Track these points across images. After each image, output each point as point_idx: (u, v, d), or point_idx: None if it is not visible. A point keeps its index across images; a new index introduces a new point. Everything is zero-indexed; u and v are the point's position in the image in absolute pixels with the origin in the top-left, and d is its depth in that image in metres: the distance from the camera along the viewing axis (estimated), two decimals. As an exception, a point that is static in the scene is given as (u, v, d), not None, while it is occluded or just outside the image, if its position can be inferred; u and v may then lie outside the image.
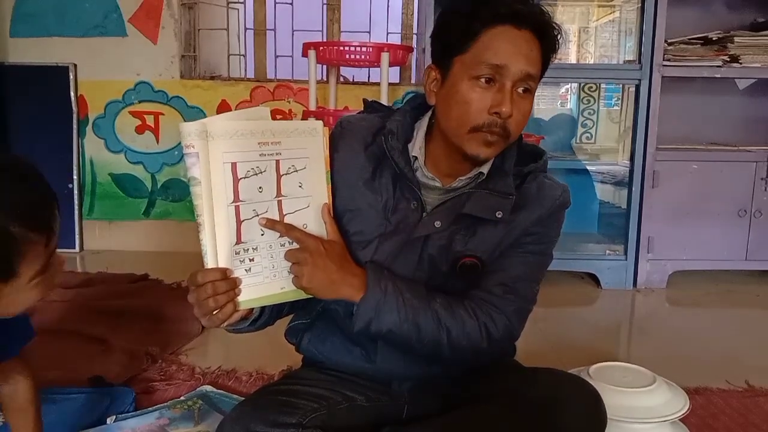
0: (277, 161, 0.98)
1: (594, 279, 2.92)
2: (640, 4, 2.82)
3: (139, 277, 2.75)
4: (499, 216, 1.09)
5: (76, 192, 3.35)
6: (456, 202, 1.11)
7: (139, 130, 3.38)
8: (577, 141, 3.42)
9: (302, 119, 2.96)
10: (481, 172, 1.12)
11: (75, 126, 3.33)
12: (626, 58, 3.16)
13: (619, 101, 3.37)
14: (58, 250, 0.97)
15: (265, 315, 1.06)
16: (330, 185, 1.06)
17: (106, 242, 3.42)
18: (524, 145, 1.18)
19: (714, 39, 2.85)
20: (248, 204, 0.96)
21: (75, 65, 3.31)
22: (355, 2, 3.67)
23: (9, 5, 3.27)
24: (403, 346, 1.08)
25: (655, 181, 2.82)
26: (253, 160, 0.95)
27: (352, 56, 2.73)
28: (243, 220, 0.96)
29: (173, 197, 3.42)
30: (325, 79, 3.17)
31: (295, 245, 1.01)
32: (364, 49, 2.72)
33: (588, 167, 3.24)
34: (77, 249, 3.37)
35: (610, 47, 3.32)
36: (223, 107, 3.35)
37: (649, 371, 1.42)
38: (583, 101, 3.40)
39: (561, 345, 2.18)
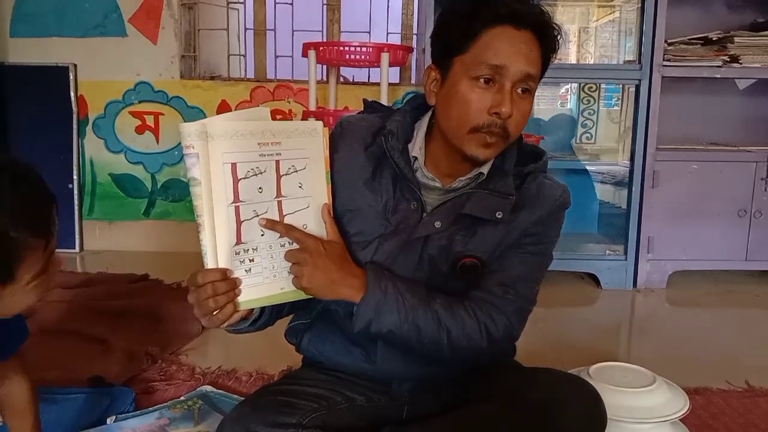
0: (277, 162, 0.98)
1: (594, 279, 2.92)
2: (640, 4, 2.82)
3: (139, 277, 2.75)
4: (499, 216, 1.09)
5: (76, 192, 3.36)
6: (456, 203, 1.11)
7: (139, 130, 3.38)
8: (577, 141, 3.42)
9: (302, 119, 2.96)
10: (481, 173, 1.12)
11: (75, 126, 3.33)
12: (626, 58, 3.16)
13: (619, 101, 3.37)
14: (59, 251, 0.97)
15: (265, 315, 1.06)
16: (330, 186, 1.06)
17: (106, 242, 3.43)
18: (524, 145, 1.18)
19: (714, 39, 2.85)
20: (248, 204, 0.96)
21: (75, 65, 3.31)
22: (355, 2, 3.67)
23: (9, 5, 3.27)
24: (403, 346, 1.08)
25: (655, 181, 2.82)
26: (253, 161, 0.95)
27: (352, 56, 2.73)
28: (243, 221, 0.96)
29: (173, 197, 3.42)
30: (325, 80, 3.17)
31: (295, 246, 1.01)
32: (364, 49, 2.72)
33: (588, 167, 3.24)
34: (77, 249, 3.37)
35: (610, 47, 3.32)
36: (223, 107, 3.35)
37: (649, 371, 1.42)
38: (583, 101, 3.40)
39: (561, 345, 2.18)
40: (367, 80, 3.58)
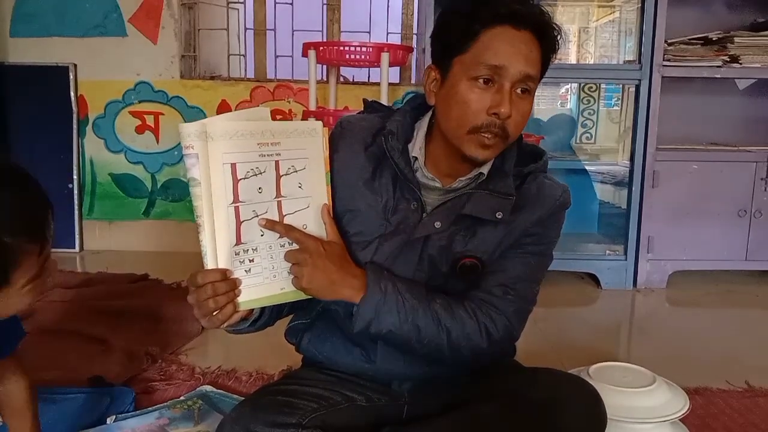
0: (277, 162, 0.98)
1: (594, 279, 2.92)
2: (640, 5, 2.82)
3: (139, 277, 2.75)
4: (499, 217, 1.09)
5: (76, 192, 3.36)
6: (456, 203, 1.11)
7: (139, 130, 3.38)
8: (577, 141, 3.42)
9: (302, 119, 2.96)
10: (481, 173, 1.12)
11: (75, 126, 3.33)
12: (626, 59, 3.16)
13: (619, 101, 3.37)
14: (59, 251, 0.98)
15: (265, 316, 1.06)
16: (330, 186, 1.06)
17: (106, 242, 3.43)
18: (524, 145, 1.18)
19: (714, 39, 2.85)
20: (248, 205, 0.96)
21: (75, 65, 3.31)
22: (355, 2, 3.67)
23: (9, 5, 3.27)
24: (403, 346, 1.08)
25: (655, 181, 2.82)
26: (253, 161, 0.95)
27: (352, 56, 2.73)
28: (243, 221, 0.96)
29: (173, 197, 3.42)
30: (325, 79, 3.17)
31: (295, 246, 1.01)
32: (364, 49, 2.72)
33: (588, 167, 3.24)
34: (77, 249, 3.37)
35: (610, 47, 3.32)
36: (223, 107, 3.35)
37: (649, 371, 1.42)
38: (583, 101, 3.40)
39: (561, 345, 2.18)
40: (367, 80, 3.59)
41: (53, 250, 0.98)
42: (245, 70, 3.84)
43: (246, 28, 3.79)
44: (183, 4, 3.36)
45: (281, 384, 1.18)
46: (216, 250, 0.94)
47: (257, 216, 0.97)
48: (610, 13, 3.29)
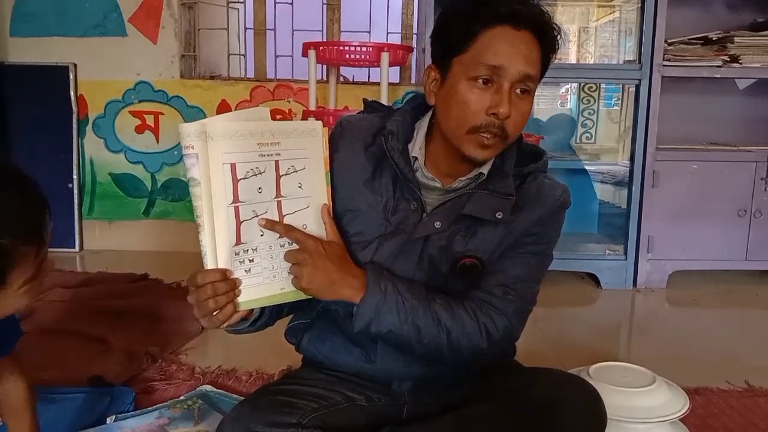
0: (277, 162, 0.98)
1: (594, 279, 2.92)
2: (640, 4, 2.82)
3: (139, 276, 2.75)
4: (500, 217, 1.09)
5: (76, 192, 3.35)
6: (456, 203, 1.11)
7: (139, 129, 3.38)
8: (577, 141, 3.42)
9: (302, 119, 2.96)
10: (481, 173, 1.12)
11: (75, 126, 3.33)
12: (626, 58, 3.16)
13: (619, 101, 3.37)
14: (59, 250, 0.98)
15: (265, 315, 1.06)
16: (329, 186, 1.06)
17: (106, 242, 3.43)
18: (524, 145, 1.18)
19: (714, 39, 2.85)
20: (248, 205, 0.96)
21: (75, 65, 3.31)
22: (355, 2, 3.67)
23: (9, 5, 3.27)
24: (403, 346, 1.08)
25: (655, 181, 2.82)
26: (253, 161, 0.95)
27: (352, 56, 2.73)
28: (242, 221, 0.96)
29: (173, 197, 3.42)
30: (325, 79, 3.17)
31: (295, 246, 1.01)
32: (364, 49, 2.72)
33: (588, 167, 3.24)
34: (77, 249, 3.37)
35: (610, 47, 3.32)
36: (223, 107, 3.35)
37: (649, 371, 1.42)
38: (583, 101, 3.40)
39: (561, 345, 2.17)
40: (367, 80, 3.59)
41: (53, 249, 0.98)
42: (245, 70, 3.84)
43: (246, 28, 3.79)
44: (183, 4, 3.36)
45: (281, 384, 1.18)
46: (216, 250, 0.94)
47: (257, 216, 0.97)
48: (610, 13, 3.29)
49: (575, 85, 3.38)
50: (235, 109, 3.25)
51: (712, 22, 2.99)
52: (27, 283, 0.93)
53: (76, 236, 3.36)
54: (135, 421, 1.51)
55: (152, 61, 3.33)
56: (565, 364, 1.77)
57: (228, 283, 0.94)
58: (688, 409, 1.33)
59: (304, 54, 2.81)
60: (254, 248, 0.97)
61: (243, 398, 1.27)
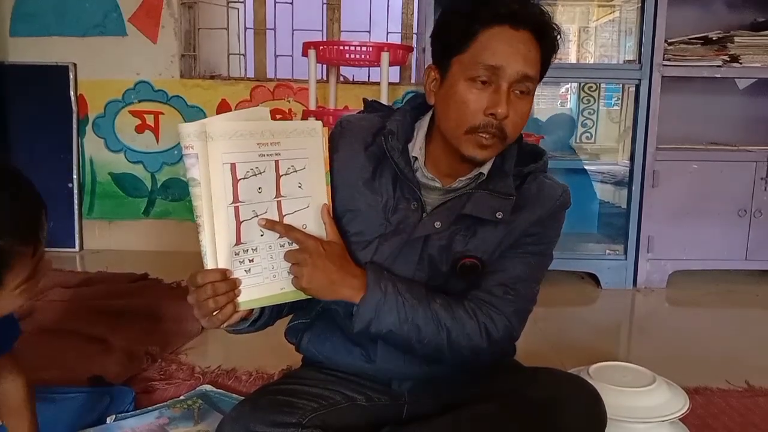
0: (277, 162, 0.98)
1: (594, 279, 2.92)
2: (640, 4, 2.82)
3: (139, 276, 2.75)
4: (500, 217, 1.09)
5: (75, 191, 3.35)
6: (456, 203, 1.11)
7: (139, 129, 3.38)
8: (577, 141, 3.42)
9: (302, 119, 2.96)
10: (481, 173, 1.12)
11: (75, 125, 3.33)
12: (626, 58, 3.16)
13: (619, 101, 3.37)
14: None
15: (265, 315, 1.06)
16: (329, 186, 1.06)
17: (106, 242, 3.43)
18: (524, 145, 1.18)
19: (714, 39, 2.85)
20: (248, 205, 0.96)
21: (75, 65, 3.31)
22: (355, 2, 3.67)
23: (9, 5, 3.27)
24: (403, 346, 1.08)
25: (655, 180, 2.82)
26: (253, 161, 0.95)
27: (352, 56, 2.73)
28: (242, 221, 0.96)
29: (173, 197, 3.42)
30: (325, 79, 3.17)
31: (295, 246, 1.01)
32: (364, 48, 2.72)
33: (588, 167, 3.24)
34: (77, 248, 3.36)
35: (610, 47, 3.32)
36: (223, 107, 3.35)
37: (649, 371, 1.42)
38: (583, 101, 3.40)
39: (561, 345, 2.17)
40: (367, 79, 3.58)
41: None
42: (245, 70, 3.83)
43: (246, 28, 3.79)
44: (183, 4, 3.36)
45: (281, 383, 1.18)
46: (216, 250, 0.94)
47: (257, 216, 0.97)
48: (610, 13, 3.29)
49: (575, 84, 3.38)
50: (235, 109, 3.26)
51: (712, 22, 2.99)
52: (23, 284, 0.93)
53: (76, 236, 3.36)
54: (135, 421, 1.51)
55: (152, 61, 3.33)
56: (565, 364, 1.77)
57: (228, 283, 0.94)
58: (688, 408, 1.33)
59: (304, 54, 2.81)
60: (254, 248, 0.97)
61: (243, 398, 1.27)
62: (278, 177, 0.99)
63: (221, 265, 0.94)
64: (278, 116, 3.30)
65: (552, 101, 3.48)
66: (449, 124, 1.07)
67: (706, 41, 2.86)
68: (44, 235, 0.95)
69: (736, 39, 2.79)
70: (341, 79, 3.36)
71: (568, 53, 3.34)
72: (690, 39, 2.84)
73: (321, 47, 2.76)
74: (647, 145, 2.80)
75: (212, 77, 3.45)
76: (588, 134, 3.42)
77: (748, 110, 3.17)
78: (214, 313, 0.95)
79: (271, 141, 0.97)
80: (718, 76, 2.83)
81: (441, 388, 1.18)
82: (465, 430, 1.04)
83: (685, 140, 3.05)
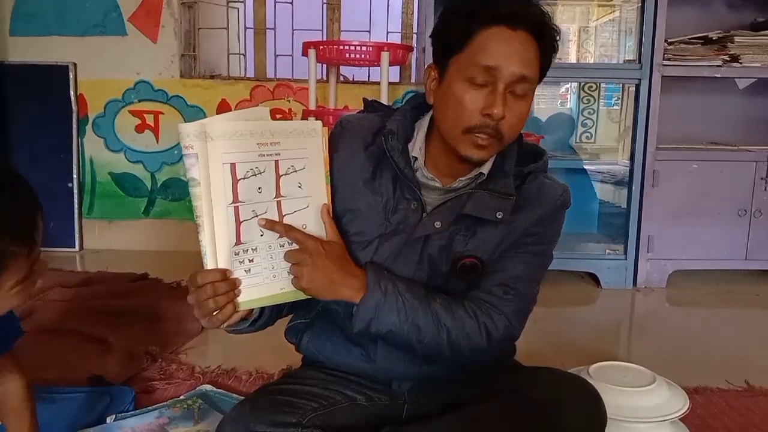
0: (276, 162, 0.98)
1: (594, 278, 2.92)
2: (640, 4, 2.82)
3: (139, 276, 2.75)
4: (500, 216, 1.09)
5: (75, 191, 3.35)
6: (456, 203, 1.11)
7: (139, 129, 3.38)
8: (577, 140, 3.42)
9: (302, 118, 2.96)
10: (481, 173, 1.12)
11: (75, 125, 3.33)
12: (626, 58, 3.16)
13: (619, 101, 3.37)
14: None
15: (265, 315, 1.06)
16: (329, 185, 1.06)
17: (106, 241, 3.42)
18: (524, 144, 1.18)
19: (714, 39, 2.85)
20: (247, 205, 0.96)
21: (75, 64, 3.31)
22: (355, 1, 3.67)
23: (9, 4, 3.27)
24: (403, 346, 1.08)
25: (655, 180, 2.82)
26: (253, 161, 0.95)
27: (352, 55, 2.73)
28: (242, 221, 0.95)
29: (173, 196, 3.42)
30: (325, 79, 3.17)
31: (295, 246, 1.00)
32: (364, 48, 2.72)
33: (588, 167, 3.24)
34: (77, 248, 3.36)
35: (610, 47, 3.32)
36: (222, 106, 3.35)
37: (648, 371, 1.42)
38: (583, 101, 3.40)
39: (561, 345, 2.17)
40: (367, 79, 3.58)
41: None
42: (245, 70, 3.83)
43: (246, 27, 3.79)
44: (183, 3, 3.36)
45: (281, 383, 1.18)
46: (216, 250, 0.94)
47: (257, 216, 0.97)
48: (610, 13, 3.29)
49: (575, 84, 3.37)
50: (235, 109, 3.26)
51: (712, 22, 2.99)
52: (18, 284, 0.93)
53: (76, 236, 3.36)
54: (135, 421, 1.50)
55: (152, 61, 3.33)
56: (565, 364, 1.77)
57: (228, 283, 0.94)
58: (688, 408, 1.33)
59: (304, 53, 2.81)
60: (254, 248, 0.97)
61: (243, 398, 1.27)
62: (278, 177, 0.99)
63: (221, 265, 0.94)
64: (278, 116, 3.31)
65: (552, 101, 3.47)
66: (446, 124, 1.07)
67: (706, 41, 2.86)
68: (40, 235, 0.95)
69: (736, 39, 2.79)
70: (341, 78, 3.36)
71: (568, 53, 3.34)
72: (690, 39, 2.84)
73: (321, 47, 2.76)
74: (647, 145, 2.80)
75: (212, 77, 3.45)
76: (588, 134, 3.42)
77: (748, 110, 3.17)
78: (214, 313, 0.95)
79: (271, 141, 0.97)
80: (718, 75, 2.83)
81: (441, 388, 1.18)
82: (465, 430, 1.04)
83: (685, 140, 3.05)
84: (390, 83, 2.84)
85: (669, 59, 2.77)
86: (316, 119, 1.09)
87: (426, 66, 1.12)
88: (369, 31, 3.73)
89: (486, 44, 1.01)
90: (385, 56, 2.68)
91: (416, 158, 1.12)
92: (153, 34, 3.31)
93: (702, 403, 1.70)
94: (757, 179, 2.84)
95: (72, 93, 3.31)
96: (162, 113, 3.36)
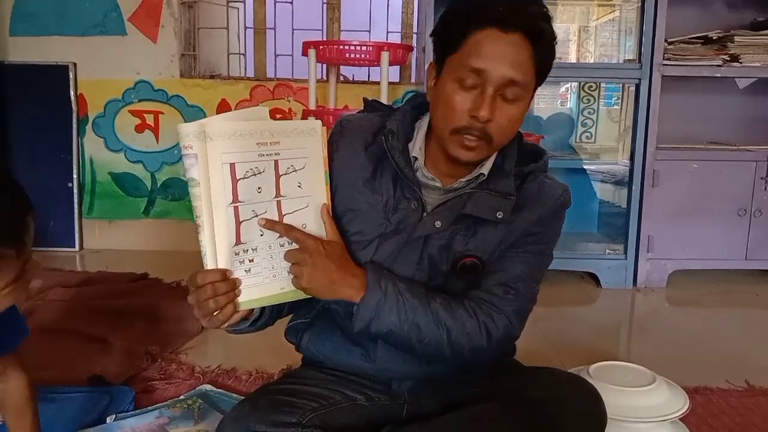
0: (276, 161, 0.98)
1: (594, 278, 2.92)
2: (640, 4, 2.82)
3: (139, 276, 2.75)
4: (500, 216, 1.08)
5: (75, 191, 3.35)
6: (456, 203, 1.11)
7: (139, 129, 3.38)
8: (577, 140, 3.42)
9: (302, 118, 2.96)
10: (481, 173, 1.12)
11: (75, 125, 3.33)
12: (626, 58, 3.16)
13: (619, 100, 3.37)
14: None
15: (265, 315, 1.06)
16: (329, 185, 1.06)
17: (106, 241, 3.42)
18: (524, 144, 1.17)
19: (714, 38, 2.85)
20: (247, 204, 0.96)
21: (75, 64, 3.30)
22: (355, 1, 3.67)
23: (9, 4, 3.27)
24: (404, 346, 1.08)
25: (655, 180, 2.82)
26: (252, 161, 0.95)
27: (352, 55, 2.73)
28: (242, 221, 0.95)
29: (173, 196, 3.42)
30: (325, 78, 3.17)
31: (295, 245, 1.00)
32: (364, 48, 2.72)
33: (588, 166, 3.24)
34: (77, 248, 3.36)
35: (610, 46, 3.32)
36: (222, 106, 3.35)
37: (648, 370, 1.42)
38: (583, 100, 3.40)
39: (561, 345, 2.17)
40: (367, 79, 3.58)
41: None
42: (245, 69, 3.83)
43: (246, 27, 3.79)
44: (183, 3, 3.36)
45: (281, 383, 1.18)
46: (216, 251, 0.94)
47: (257, 216, 0.97)
48: (610, 12, 3.29)
49: (575, 84, 3.37)
50: (235, 109, 3.25)
51: (712, 22, 2.99)
52: (9, 285, 0.93)
53: (76, 236, 3.36)
54: (135, 421, 1.51)
55: (152, 61, 3.33)
56: (565, 364, 1.77)
57: (228, 283, 0.94)
58: (688, 408, 1.33)
59: (304, 53, 2.81)
60: (254, 248, 0.97)
61: (243, 398, 1.27)
62: (278, 177, 0.99)
63: (221, 265, 0.94)
64: (278, 116, 3.31)
65: (552, 101, 3.47)
66: (437, 123, 1.07)
67: (706, 41, 2.86)
68: (31, 237, 0.94)
69: (736, 38, 2.79)
70: (341, 78, 3.36)
71: (568, 53, 3.34)
72: (690, 38, 2.84)
73: (321, 47, 2.76)
74: (647, 145, 2.80)
75: (212, 77, 3.45)
76: (588, 134, 3.42)
77: (748, 110, 3.17)
78: (215, 314, 0.95)
79: (271, 141, 0.97)
80: (718, 75, 2.83)
81: (441, 388, 1.18)
82: (465, 430, 1.04)
83: (685, 140, 3.05)
84: (390, 83, 2.84)
85: (669, 59, 2.77)
86: (316, 119, 1.09)
87: (429, 64, 1.12)
88: (369, 31, 3.73)
89: (477, 46, 1.01)
90: (385, 56, 2.68)
91: (416, 158, 1.12)
92: (153, 33, 3.31)
93: (702, 403, 1.70)
94: (757, 179, 2.84)
95: (72, 93, 3.31)
96: (162, 113, 3.36)
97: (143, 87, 3.35)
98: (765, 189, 2.84)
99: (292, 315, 1.21)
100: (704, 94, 3.12)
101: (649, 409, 1.31)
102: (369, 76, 3.61)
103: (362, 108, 1.26)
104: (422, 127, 1.15)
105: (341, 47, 2.74)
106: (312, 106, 2.88)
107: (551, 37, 1.04)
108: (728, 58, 2.80)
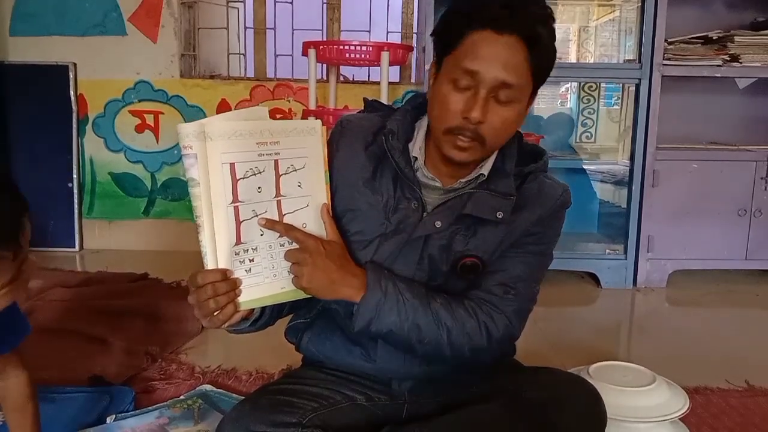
0: (276, 161, 0.98)
1: (594, 278, 2.92)
2: (640, 4, 2.82)
3: (139, 276, 2.75)
4: (500, 216, 1.08)
5: (75, 191, 3.35)
6: (457, 203, 1.11)
7: (139, 129, 3.38)
8: (577, 140, 3.42)
9: (302, 118, 2.96)
10: (481, 173, 1.12)
11: (75, 125, 3.33)
12: (626, 58, 3.16)
13: (619, 100, 3.37)
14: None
15: (266, 315, 1.06)
16: (329, 185, 1.06)
17: (106, 241, 3.42)
18: (524, 144, 1.17)
19: (714, 38, 2.85)
20: (247, 204, 0.96)
21: (75, 64, 3.30)
22: (355, 1, 3.67)
23: (9, 4, 3.27)
24: (404, 346, 1.08)
25: (655, 180, 2.82)
26: (252, 161, 0.95)
27: (352, 55, 2.73)
28: (242, 221, 0.95)
29: (173, 196, 3.42)
30: (325, 78, 3.17)
31: (295, 245, 1.00)
32: (364, 48, 2.72)
33: (588, 166, 3.24)
34: (77, 248, 3.36)
35: (610, 46, 3.32)
36: (222, 106, 3.35)
37: (648, 370, 1.43)
38: (583, 100, 3.40)
39: (561, 345, 2.17)
40: (367, 79, 3.58)
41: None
42: (245, 69, 3.84)
43: (246, 27, 3.79)
44: (183, 3, 3.36)
45: (281, 383, 1.18)
46: (216, 250, 0.94)
47: (257, 215, 0.97)
48: (610, 12, 3.29)
49: (575, 84, 3.37)
50: (235, 109, 3.25)
51: (713, 22, 2.99)
52: (6, 286, 0.93)
53: (76, 236, 3.36)
54: (135, 421, 1.51)
55: (152, 61, 3.33)
56: (565, 364, 1.77)
57: (228, 283, 0.94)
58: (688, 408, 1.33)
59: (304, 53, 2.81)
60: (254, 248, 0.97)
61: (243, 398, 1.27)
62: (278, 176, 0.99)
63: (221, 265, 0.94)
64: (278, 116, 3.30)
65: (552, 101, 3.48)
66: (433, 123, 1.08)
67: (706, 41, 2.86)
68: (26, 238, 0.94)
69: (736, 38, 2.79)
70: (341, 78, 3.36)
71: (568, 53, 3.34)
72: (690, 38, 2.84)
73: (321, 47, 2.76)
74: (647, 145, 2.80)
75: (212, 77, 3.45)
76: (588, 134, 3.42)
77: (748, 110, 3.17)
78: (215, 313, 0.95)
79: (271, 140, 0.97)
80: (718, 75, 2.83)
81: (441, 388, 1.18)
82: (465, 430, 1.04)
83: (685, 140, 3.05)
84: (390, 83, 2.84)
85: (669, 59, 2.77)
86: (316, 119, 1.09)
87: (429, 63, 1.12)
88: (369, 31, 3.73)
89: (472, 47, 1.00)
90: (385, 56, 2.68)
91: (416, 158, 1.12)
92: (153, 34, 3.31)
93: (702, 403, 1.70)
94: (757, 179, 2.84)
95: (72, 93, 3.31)
96: (162, 113, 3.37)
97: (143, 87, 3.35)
98: (765, 189, 2.84)
99: (292, 315, 1.21)
100: (704, 94, 3.12)
101: (649, 409, 1.31)
102: (369, 76, 3.61)
103: (362, 108, 1.26)
104: (422, 127, 1.15)
105: (341, 47, 2.74)
106: (312, 106, 2.88)
107: (549, 40, 1.02)
108: (728, 58, 2.80)
